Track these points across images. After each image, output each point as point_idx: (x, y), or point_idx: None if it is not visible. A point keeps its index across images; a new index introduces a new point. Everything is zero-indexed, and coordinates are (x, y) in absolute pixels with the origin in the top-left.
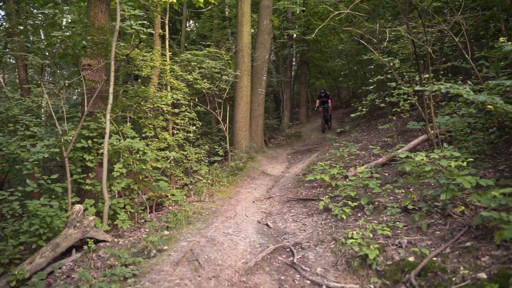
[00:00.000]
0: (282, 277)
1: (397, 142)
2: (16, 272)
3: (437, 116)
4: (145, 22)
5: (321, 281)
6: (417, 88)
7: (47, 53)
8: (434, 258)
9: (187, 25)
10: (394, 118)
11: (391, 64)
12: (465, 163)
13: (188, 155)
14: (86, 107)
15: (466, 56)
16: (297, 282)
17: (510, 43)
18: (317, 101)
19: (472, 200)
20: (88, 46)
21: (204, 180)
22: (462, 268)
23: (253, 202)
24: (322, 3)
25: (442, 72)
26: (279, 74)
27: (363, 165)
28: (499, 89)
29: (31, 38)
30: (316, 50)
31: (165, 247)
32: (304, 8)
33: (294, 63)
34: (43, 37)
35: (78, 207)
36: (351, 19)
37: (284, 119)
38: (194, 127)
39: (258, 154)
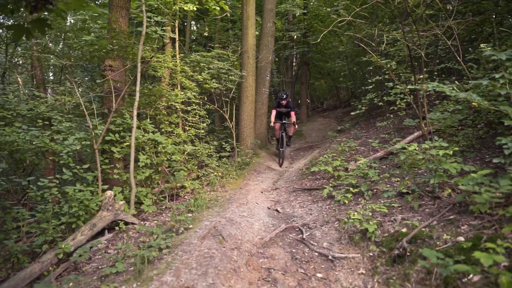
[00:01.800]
0: (294, 250)
1: (394, 138)
2: (63, 246)
3: (430, 113)
4: (158, 28)
5: (327, 252)
6: (410, 87)
7: (69, 55)
8: (423, 229)
9: (193, 27)
10: (392, 116)
11: (389, 65)
12: (451, 152)
13: (199, 150)
14: (114, 104)
15: (458, 58)
16: (306, 254)
17: (489, 48)
18: (273, 112)
19: (456, 182)
20: (112, 50)
21: (215, 173)
22: (445, 235)
23: (262, 192)
24: (323, 7)
25: (436, 73)
26: (280, 75)
27: (362, 158)
28: (483, 88)
29: (47, 41)
30: (316, 51)
31: (191, 226)
32: (305, 11)
33: (294, 64)
34: (61, 40)
35: (109, 193)
36: (351, 23)
37: None
38: (204, 124)
39: (262, 151)
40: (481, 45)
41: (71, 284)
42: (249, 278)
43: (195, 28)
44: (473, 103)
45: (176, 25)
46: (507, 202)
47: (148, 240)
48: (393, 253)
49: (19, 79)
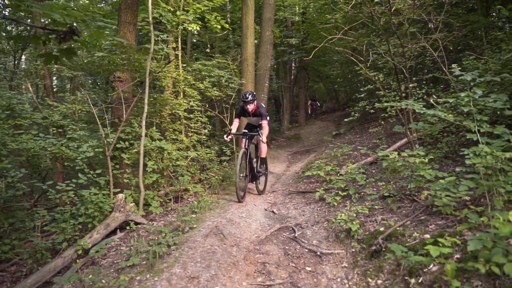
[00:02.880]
0: (286, 247)
1: (386, 143)
2: (81, 243)
3: (418, 121)
4: (164, 46)
5: (316, 249)
6: (386, 104)
7: (79, 66)
8: (398, 228)
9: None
10: (383, 122)
11: (376, 78)
12: (427, 160)
13: (201, 155)
14: (124, 115)
15: (444, 69)
16: (297, 250)
17: (459, 68)
18: (235, 123)
19: (429, 186)
20: (122, 63)
21: (216, 177)
22: (415, 233)
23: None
24: (319, 17)
25: (425, 82)
26: (279, 79)
27: (354, 163)
28: (452, 104)
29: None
30: (314, 55)
31: (195, 225)
32: (303, 19)
33: (293, 68)
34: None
35: (121, 195)
36: (344, 34)
37: (284, 121)
38: (205, 130)
39: None
40: (452, 65)
41: (90, 276)
42: (246, 270)
43: (195, 40)
44: (448, 116)
45: (179, 40)
46: (462, 206)
47: (157, 238)
48: (371, 249)
49: (29, 87)
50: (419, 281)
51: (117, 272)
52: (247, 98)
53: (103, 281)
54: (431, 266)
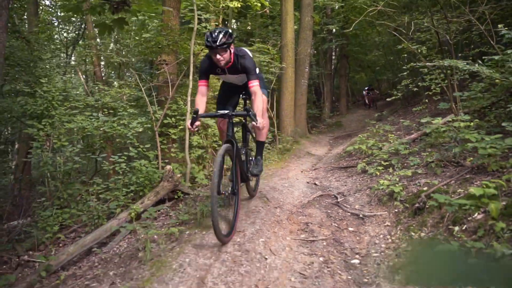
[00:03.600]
0: (329, 211)
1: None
2: (134, 207)
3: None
4: (207, 24)
5: (358, 212)
6: (429, 64)
7: (126, 53)
8: (442, 187)
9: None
10: (427, 101)
11: (419, 50)
12: (472, 124)
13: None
14: (171, 93)
15: (492, 42)
16: (340, 214)
17: (506, 28)
18: (201, 89)
19: (474, 146)
20: (167, 45)
21: None
22: (459, 189)
23: (301, 171)
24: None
25: (471, 58)
26: (320, 67)
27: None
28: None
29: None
30: (355, 43)
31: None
32: (343, 4)
33: (333, 57)
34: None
35: (169, 167)
36: (386, 13)
37: (325, 109)
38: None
39: (302, 139)
40: (498, 25)
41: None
42: (290, 228)
43: (235, 26)
44: (496, 80)
45: (220, 21)
46: (508, 156)
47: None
48: (414, 207)
49: (80, 75)
50: (463, 228)
51: (168, 228)
52: (216, 40)
53: (155, 235)
54: (475, 214)
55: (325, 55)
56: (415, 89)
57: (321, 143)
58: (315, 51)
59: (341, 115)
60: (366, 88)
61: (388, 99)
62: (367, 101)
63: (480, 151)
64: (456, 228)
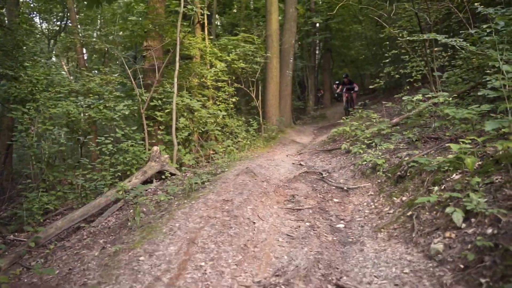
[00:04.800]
0: (314, 185)
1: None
2: (121, 184)
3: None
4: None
5: (342, 186)
6: (409, 38)
7: (110, 41)
8: (423, 156)
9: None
10: (408, 87)
11: (400, 35)
12: (451, 99)
13: (228, 123)
14: (157, 75)
15: (470, 29)
16: (325, 187)
17: (482, 6)
18: None
19: (454, 123)
20: (151, 30)
21: (245, 141)
22: (438, 157)
23: (287, 156)
24: None
25: (450, 47)
26: (303, 60)
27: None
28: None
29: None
30: (338, 37)
31: (226, 169)
32: None
33: (317, 52)
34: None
35: (156, 147)
36: (369, 6)
37: (309, 102)
38: (233, 99)
39: (287, 128)
40: (475, 3)
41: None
42: (276, 199)
43: (219, 23)
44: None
45: (205, 12)
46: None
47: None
48: (396, 175)
49: (63, 63)
50: (442, 187)
51: (157, 202)
52: None
53: (144, 208)
54: (453, 175)
55: (309, 49)
56: (397, 76)
57: (306, 132)
58: (300, 43)
59: (325, 108)
60: (337, 82)
61: (370, 86)
62: (344, 101)
63: (457, 115)
64: (436, 188)
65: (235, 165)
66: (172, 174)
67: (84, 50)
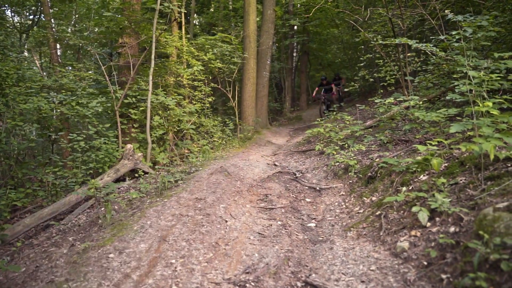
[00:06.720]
0: (288, 185)
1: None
2: (93, 181)
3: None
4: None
5: (315, 186)
6: (383, 42)
7: (85, 36)
8: (392, 157)
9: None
10: (382, 91)
11: (375, 39)
12: (421, 103)
13: (204, 123)
14: (132, 73)
15: (441, 36)
16: (298, 187)
17: (452, 14)
18: None
19: (424, 126)
20: (127, 26)
21: (220, 141)
22: (407, 158)
23: (262, 156)
24: None
25: (422, 52)
26: (280, 63)
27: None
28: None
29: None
30: (316, 40)
31: (200, 168)
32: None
33: (295, 54)
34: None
35: (129, 145)
36: (347, 7)
37: (286, 104)
38: (210, 99)
39: (263, 129)
40: (446, 10)
41: (106, 197)
42: (250, 198)
43: (197, 22)
44: (443, 66)
45: (183, 10)
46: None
47: (165, 175)
48: (367, 176)
49: (35, 59)
50: (410, 188)
51: (129, 200)
52: None
53: (115, 206)
54: (421, 176)
55: (287, 51)
56: (372, 80)
57: (282, 133)
58: (277, 45)
59: (301, 110)
60: (327, 80)
61: (345, 89)
62: (321, 102)
63: (426, 118)
64: (404, 188)
65: (210, 164)
66: (145, 173)
67: (58, 46)
